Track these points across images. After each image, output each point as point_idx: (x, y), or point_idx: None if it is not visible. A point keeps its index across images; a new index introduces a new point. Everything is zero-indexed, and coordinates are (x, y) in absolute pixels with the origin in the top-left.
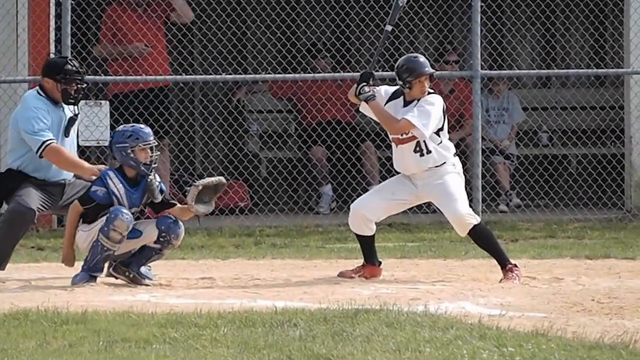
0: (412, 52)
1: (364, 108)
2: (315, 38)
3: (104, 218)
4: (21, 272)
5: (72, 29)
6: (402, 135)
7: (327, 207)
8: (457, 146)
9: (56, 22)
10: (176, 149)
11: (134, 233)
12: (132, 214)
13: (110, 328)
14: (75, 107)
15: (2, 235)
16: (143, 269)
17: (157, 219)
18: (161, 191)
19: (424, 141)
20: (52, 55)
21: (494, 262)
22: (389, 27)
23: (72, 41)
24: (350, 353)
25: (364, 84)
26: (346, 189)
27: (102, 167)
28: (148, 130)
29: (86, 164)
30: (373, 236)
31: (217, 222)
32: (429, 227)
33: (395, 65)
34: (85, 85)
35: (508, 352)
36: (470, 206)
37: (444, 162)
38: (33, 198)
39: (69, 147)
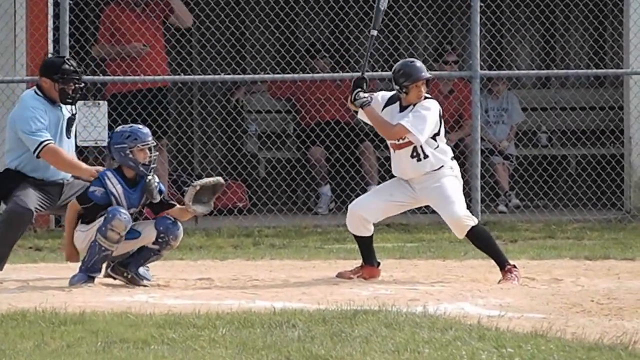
0: (412, 52)
1: (362, 114)
2: (314, 38)
3: (102, 218)
4: (19, 273)
5: (70, 28)
6: (398, 140)
7: (326, 207)
8: (456, 146)
9: (54, 22)
10: (175, 149)
11: (133, 234)
12: (131, 214)
13: (108, 329)
14: (73, 107)
15: (0, 236)
16: (141, 270)
17: (156, 220)
18: (160, 192)
19: (421, 146)
20: (49, 55)
21: (493, 262)
22: (374, 32)
23: (70, 41)
24: (349, 354)
25: (359, 89)
26: (345, 189)
27: (100, 168)
28: (146, 130)
29: (84, 165)
30: (371, 237)
31: (215, 223)
32: (428, 228)
33: (392, 70)
34: (83, 85)
35: (507, 353)
36: (469, 207)
37: (442, 166)
38: (31, 198)
39: (67, 148)
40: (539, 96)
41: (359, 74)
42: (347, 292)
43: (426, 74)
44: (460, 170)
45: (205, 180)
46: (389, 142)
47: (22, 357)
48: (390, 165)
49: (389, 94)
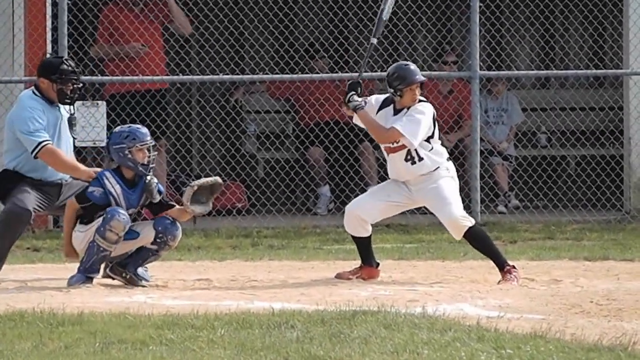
0: (411, 52)
1: (356, 118)
2: (313, 38)
3: (101, 219)
4: (17, 273)
5: (68, 29)
6: (392, 144)
7: (325, 208)
8: (455, 147)
9: (53, 22)
10: (173, 150)
11: (131, 234)
12: (130, 215)
13: (107, 329)
14: (72, 107)
15: None
16: (140, 270)
17: (155, 220)
18: (159, 192)
19: (415, 149)
20: (48, 55)
21: (492, 264)
22: (374, 40)
23: (68, 41)
24: (348, 355)
25: (353, 93)
26: (344, 189)
27: (98, 169)
28: (145, 130)
29: (82, 167)
30: (369, 237)
31: (214, 223)
32: (427, 229)
33: (386, 73)
34: (81, 85)
35: (506, 354)
36: (469, 207)
37: (437, 167)
38: (29, 198)
39: (65, 148)
40: (538, 97)
41: (356, 77)
42: (346, 292)
43: (420, 77)
44: (460, 171)
45: (203, 180)
46: (382, 146)
47: (20, 358)
48: None
49: (382, 96)
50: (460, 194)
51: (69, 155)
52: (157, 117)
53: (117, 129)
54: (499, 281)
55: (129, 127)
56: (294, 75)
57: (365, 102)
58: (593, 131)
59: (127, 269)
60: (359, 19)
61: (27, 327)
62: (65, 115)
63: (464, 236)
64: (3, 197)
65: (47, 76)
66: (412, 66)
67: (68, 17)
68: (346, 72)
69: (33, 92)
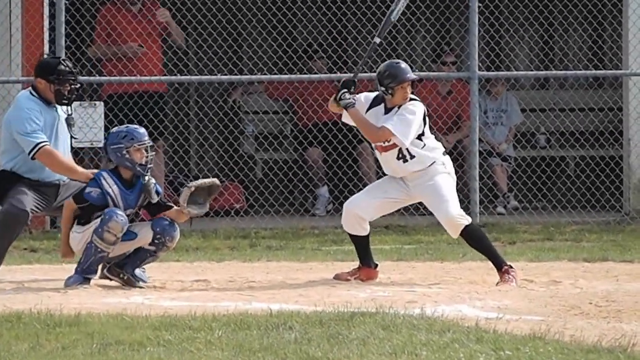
0: (410, 52)
1: (346, 117)
2: (312, 38)
3: (98, 220)
4: (14, 274)
5: (66, 29)
6: (384, 143)
7: (323, 209)
8: (454, 148)
9: (50, 22)
10: (171, 150)
11: (129, 235)
12: (127, 215)
13: (104, 330)
14: (69, 107)
15: None
16: (137, 271)
17: (153, 221)
18: (157, 193)
19: (407, 148)
20: (45, 56)
21: (491, 265)
22: (377, 40)
23: (66, 41)
24: (346, 356)
25: (345, 90)
26: (342, 190)
27: (95, 171)
28: (142, 130)
29: (80, 168)
30: (367, 237)
31: (212, 224)
32: (426, 230)
33: (377, 71)
34: (78, 85)
35: (505, 355)
36: (468, 208)
37: (433, 163)
38: (27, 199)
39: (63, 149)
40: (537, 97)
41: (351, 76)
42: (344, 294)
43: (412, 75)
44: (459, 172)
45: (201, 181)
46: (374, 145)
47: (17, 359)
48: None
49: (372, 94)
50: (459, 195)
51: (67, 156)
52: (154, 118)
53: (115, 129)
54: (497, 282)
55: (127, 127)
56: (293, 76)
57: (356, 100)
58: (592, 132)
59: (124, 270)
60: (357, 19)
61: (24, 328)
62: (63, 116)
63: (461, 235)
64: (0, 198)
65: (45, 77)
66: (403, 64)
67: (65, 17)
68: (345, 72)
69: (30, 92)
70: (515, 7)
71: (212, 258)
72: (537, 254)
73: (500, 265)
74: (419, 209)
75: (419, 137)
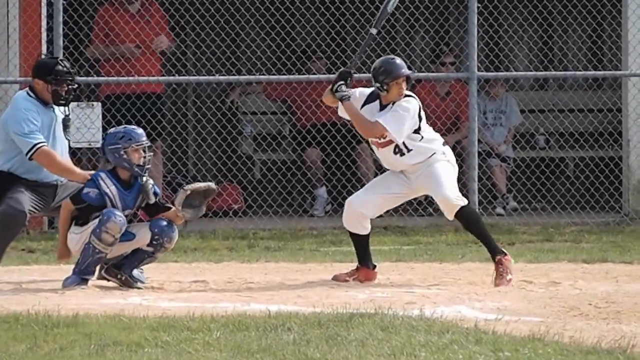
0: (409, 53)
1: (341, 110)
2: (310, 39)
3: (96, 220)
4: (12, 275)
5: (63, 29)
6: (380, 139)
7: (322, 209)
8: (453, 149)
9: (48, 23)
10: (169, 151)
11: (127, 236)
12: (125, 216)
13: (102, 331)
14: (66, 108)
15: None
16: (135, 272)
17: (151, 222)
18: (155, 193)
19: (403, 142)
20: (43, 56)
21: (491, 265)
22: (373, 30)
23: (63, 42)
24: (345, 357)
25: (342, 82)
26: (341, 191)
27: (93, 172)
28: (140, 131)
29: (77, 169)
30: (367, 237)
31: (210, 225)
32: (425, 230)
33: (372, 67)
34: (76, 86)
35: (504, 356)
36: None
37: (433, 153)
38: (24, 200)
39: (60, 150)
40: (536, 98)
41: (347, 67)
42: (343, 295)
43: (406, 70)
44: (458, 172)
45: (197, 185)
46: (370, 140)
47: None
48: None
49: (367, 90)
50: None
51: (65, 157)
52: (152, 119)
53: (113, 129)
54: (494, 278)
55: (124, 127)
56: (291, 76)
57: (350, 94)
58: (592, 133)
59: (122, 271)
60: (356, 20)
61: (22, 329)
62: (60, 117)
63: (456, 216)
64: None
65: (42, 77)
66: (398, 60)
67: (63, 17)
68: None
69: (28, 93)
70: (515, 8)
71: (211, 259)
72: (537, 255)
73: (494, 253)
74: (417, 209)
75: (416, 131)
